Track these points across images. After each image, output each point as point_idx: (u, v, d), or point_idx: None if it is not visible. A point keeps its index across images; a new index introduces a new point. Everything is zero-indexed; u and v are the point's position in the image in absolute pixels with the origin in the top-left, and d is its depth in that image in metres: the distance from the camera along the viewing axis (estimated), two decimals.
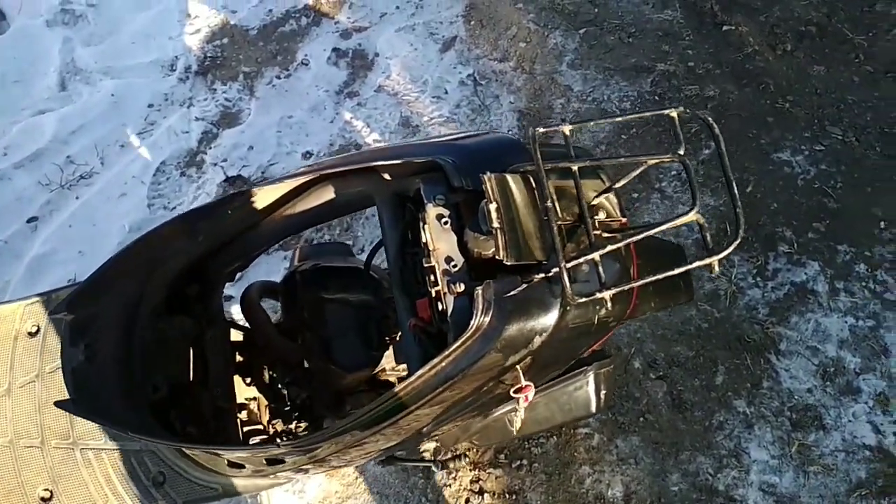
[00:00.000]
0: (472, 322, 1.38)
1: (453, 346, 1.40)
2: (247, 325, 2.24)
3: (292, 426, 2.19)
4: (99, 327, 1.78)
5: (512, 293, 1.39)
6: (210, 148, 3.43)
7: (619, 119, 1.42)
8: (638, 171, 1.45)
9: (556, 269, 1.34)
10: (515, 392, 1.51)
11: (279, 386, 2.23)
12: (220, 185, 3.28)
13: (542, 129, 1.39)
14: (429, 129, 3.44)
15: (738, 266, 2.97)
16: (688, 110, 1.41)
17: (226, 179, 3.30)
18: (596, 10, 3.82)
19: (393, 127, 3.46)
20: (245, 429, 2.23)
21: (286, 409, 2.20)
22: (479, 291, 1.38)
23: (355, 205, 1.91)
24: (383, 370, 2.05)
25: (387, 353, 2.02)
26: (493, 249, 1.42)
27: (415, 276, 1.67)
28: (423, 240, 1.49)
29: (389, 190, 1.71)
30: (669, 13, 3.76)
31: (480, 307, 1.38)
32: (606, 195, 1.56)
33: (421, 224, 1.51)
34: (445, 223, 1.47)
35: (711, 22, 3.73)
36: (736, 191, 1.34)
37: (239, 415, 2.22)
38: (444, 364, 1.43)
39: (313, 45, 3.77)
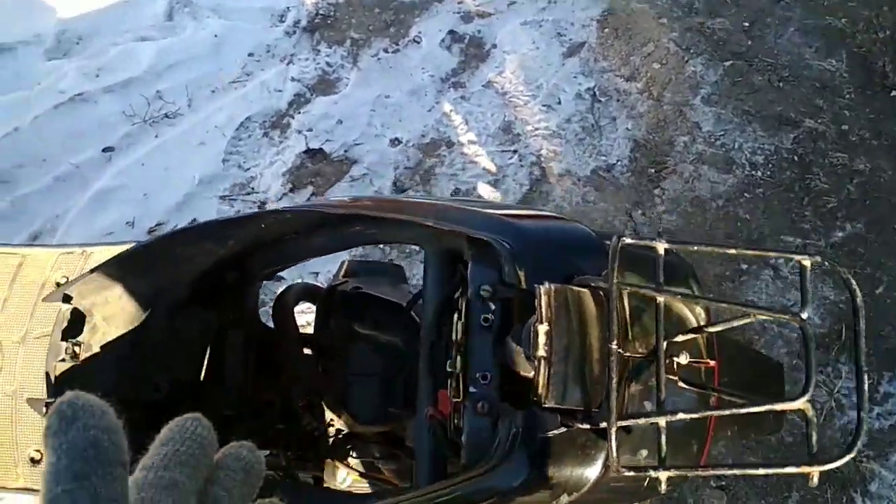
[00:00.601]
0: (490, 454, 1.12)
1: (461, 477, 1.14)
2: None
3: (293, 453, 1.98)
4: (99, 321, 1.61)
5: (546, 435, 1.11)
6: (299, 113, 3.23)
7: (733, 252, 1.08)
8: (743, 322, 1.12)
9: (605, 425, 1.05)
10: None
11: (294, 402, 2.03)
12: (298, 156, 3.09)
13: (629, 240, 1.08)
14: (530, 141, 3.12)
15: (845, 379, 2.55)
16: (826, 262, 1.06)
17: (306, 151, 3.10)
18: (749, 42, 3.36)
19: (492, 130, 3.16)
20: (252, 438, 2.05)
21: (295, 431, 2.00)
22: (507, 422, 1.11)
23: (403, 242, 1.65)
24: (399, 427, 1.80)
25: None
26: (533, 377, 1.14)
27: (447, 353, 1.41)
28: (454, 335, 1.21)
29: (441, 244, 1.44)
30: (833, 63, 3.27)
31: (504, 441, 1.11)
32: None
33: (456, 314, 1.23)
34: (486, 321, 1.19)
35: (880, 83, 3.22)
36: (865, 387, 1.01)
37: (249, 422, 2.04)
38: (445, 492, 1.17)
39: (430, 22, 3.49)
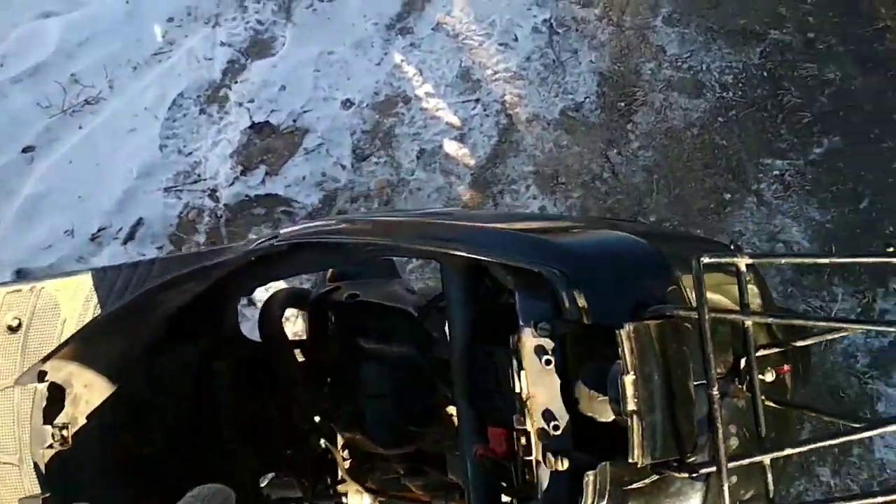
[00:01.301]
0: None
1: None
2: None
3: (308, 480, 1.84)
4: (79, 389, 1.41)
5: (637, 485, 0.99)
6: (235, 82, 2.94)
7: (825, 261, 0.95)
8: (836, 336, 1.00)
9: (708, 470, 0.94)
10: None
11: (297, 424, 1.87)
12: (244, 132, 2.82)
13: (707, 259, 0.94)
14: (492, 86, 2.92)
15: (841, 301, 2.53)
16: None
17: (251, 126, 2.83)
18: None
19: (450, 79, 2.94)
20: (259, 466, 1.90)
21: (304, 455, 1.85)
22: (591, 478, 0.98)
23: (412, 257, 1.48)
24: (424, 444, 1.67)
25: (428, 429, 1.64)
26: (613, 418, 1.01)
27: (486, 381, 1.27)
28: (515, 385, 1.07)
29: (462, 258, 1.27)
30: None
31: (591, 498, 0.98)
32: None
33: (513, 358, 1.08)
34: (548, 363, 1.05)
35: None
36: None
37: (253, 451, 1.87)
38: None
39: None
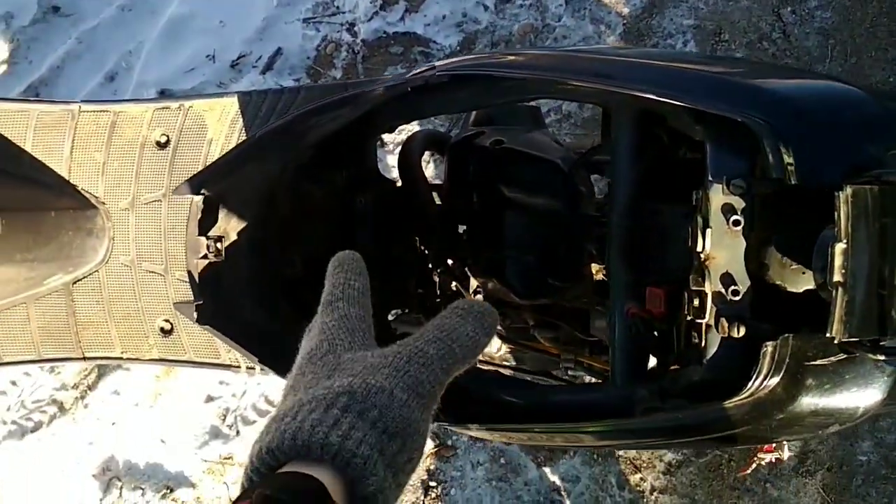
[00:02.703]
0: (749, 384, 0.93)
1: (706, 409, 0.97)
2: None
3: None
4: (233, 205, 1.43)
5: (820, 362, 0.92)
6: None
7: None
8: None
9: None
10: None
11: (430, 266, 1.88)
12: None
13: None
14: None
15: None
16: None
17: None
18: None
19: None
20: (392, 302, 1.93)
21: (437, 299, 1.86)
22: (769, 349, 0.91)
23: (577, 101, 1.38)
24: (561, 298, 1.64)
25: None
26: (803, 289, 0.93)
27: (648, 241, 1.19)
28: (697, 244, 0.98)
29: (636, 103, 1.16)
30: None
31: (766, 369, 0.92)
32: None
33: (697, 215, 0.99)
34: (736, 224, 0.95)
35: None
36: None
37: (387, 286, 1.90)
38: (683, 418, 1.01)
39: None
